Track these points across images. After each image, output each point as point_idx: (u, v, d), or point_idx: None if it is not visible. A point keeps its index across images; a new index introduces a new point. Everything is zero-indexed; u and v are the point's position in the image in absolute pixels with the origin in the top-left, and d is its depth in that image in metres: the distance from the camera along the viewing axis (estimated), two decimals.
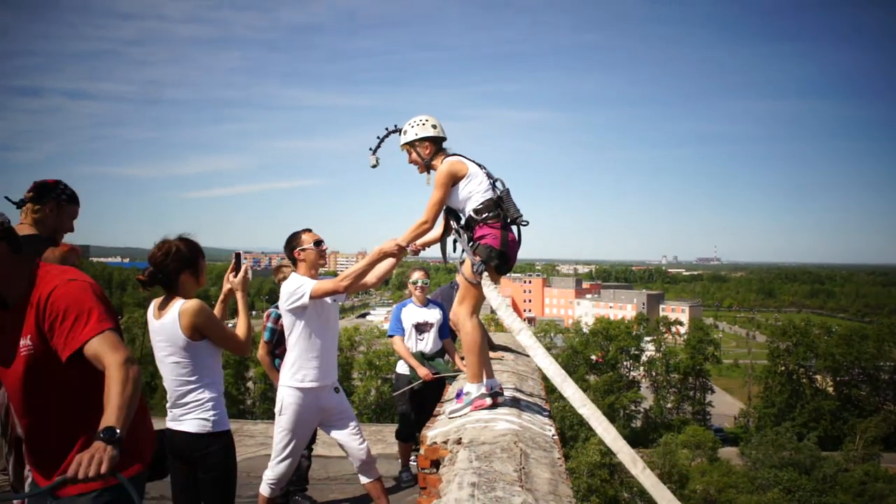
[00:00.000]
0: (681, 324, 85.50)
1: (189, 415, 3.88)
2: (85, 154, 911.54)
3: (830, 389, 69.05)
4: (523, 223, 4.53)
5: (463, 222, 4.62)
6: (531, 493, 2.98)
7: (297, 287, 4.82)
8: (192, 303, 3.84)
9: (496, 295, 4.44)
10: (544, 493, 3.07)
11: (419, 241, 4.77)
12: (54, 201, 4.11)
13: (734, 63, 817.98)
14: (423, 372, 6.68)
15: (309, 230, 5.12)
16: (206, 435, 3.89)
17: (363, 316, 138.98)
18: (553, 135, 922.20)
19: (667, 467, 45.41)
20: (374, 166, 4.86)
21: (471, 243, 4.50)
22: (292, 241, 5.06)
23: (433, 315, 7.05)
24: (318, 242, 5.05)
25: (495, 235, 4.42)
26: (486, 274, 4.40)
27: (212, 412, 3.91)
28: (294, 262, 5.08)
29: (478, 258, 4.41)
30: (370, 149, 4.82)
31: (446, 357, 7.18)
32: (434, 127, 4.70)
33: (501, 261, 4.43)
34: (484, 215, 4.47)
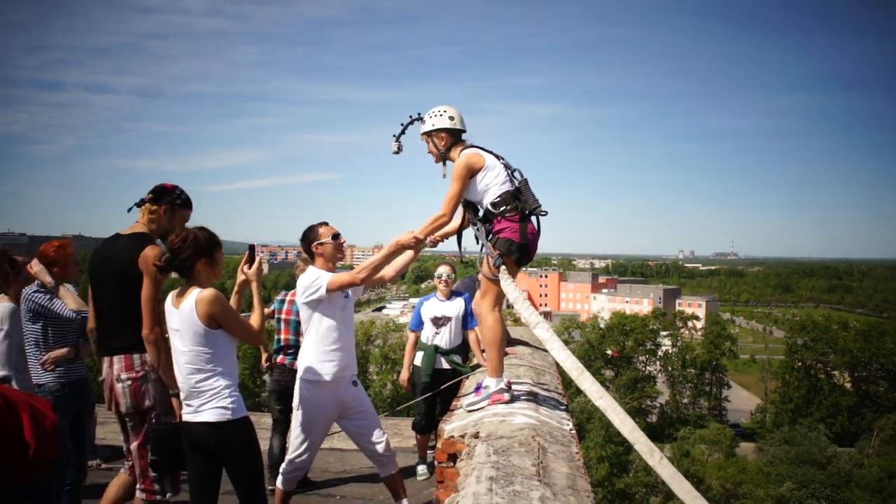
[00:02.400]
0: (697, 318, 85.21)
1: (207, 404, 3.88)
2: (105, 147, 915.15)
3: (848, 385, 68.65)
4: (542, 213, 4.52)
5: (481, 215, 4.61)
6: (549, 488, 2.97)
7: (313, 280, 4.80)
8: (208, 291, 3.88)
9: (514, 289, 4.43)
10: (562, 487, 3.06)
11: (435, 235, 4.76)
12: (168, 204, 4.36)
13: (751, 56, 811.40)
14: (403, 377, 6.77)
15: (326, 223, 5.08)
16: (225, 423, 3.88)
17: (379, 310, 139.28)
18: (570, 129, 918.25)
19: (684, 465, 45.41)
20: (395, 152, 4.87)
21: (489, 237, 4.49)
22: (309, 235, 5.03)
23: (453, 308, 7.02)
24: (336, 236, 5.01)
25: (514, 228, 4.40)
26: (503, 268, 4.39)
27: (229, 399, 3.90)
28: (311, 256, 5.06)
29: (496, 252, 4.41)
30: (393, 135, 4.84)
31: (467, 356, 7.23)
32: (451, 118, 4.70)
33: (521, 253, 4.42)
34: (501, 208, 4.45)
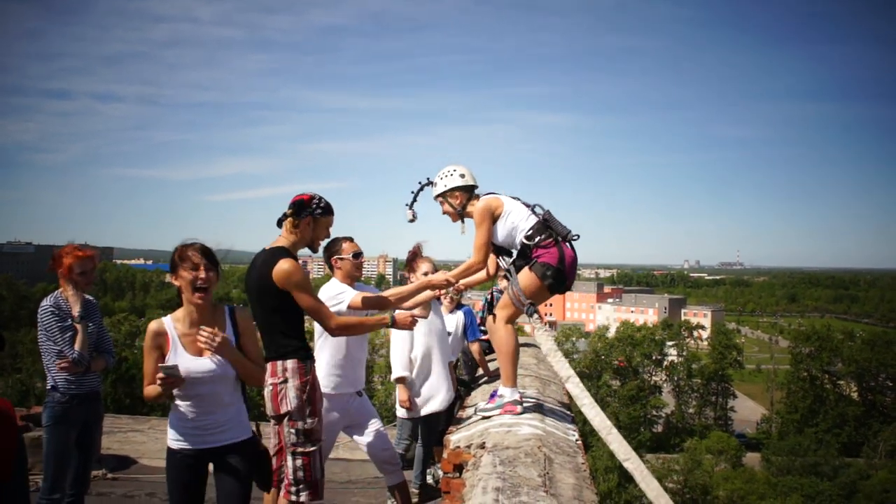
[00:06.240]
0: (703, 328, 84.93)
1: (242, 422, 3.93)
2: (112, 156, 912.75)
3: (854, 395, 68.31)
4: (574, 238, 4.60)
5: (516, 253, 4.73)
6: (556, 499, 2.97)
7: (337, 293, 4.85)
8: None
9: (547, 339, 4.51)
10: (569, 498, 3.06)
11: (464, 282, 4.93)
12: (310, 215, 4.37)
13: (758, 65, 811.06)
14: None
15: (350, 239, 5.17)
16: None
17: None
18: (575, 138, 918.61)
19: (694, 476, 45.21)
20: (411, 221, 5.00)
21: (530, 261, 4.56)
22: (332, 247, 5.10)
23: (452, 323, 7.02)
24: (357, 255, 5.10)
25: (552, 254, 4.48)
26: (536, 316, 4.47)
27: None
28: (330, 266, 5.12)
29: (528, 302, 4.49)
30: (406, 204, 4.95)
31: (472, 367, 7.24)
32: (462, 176, 4.83)
33: (556, 279, 4.48)
34: (536, 239, 4.55)
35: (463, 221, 4.86)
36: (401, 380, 5.90)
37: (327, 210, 4.45)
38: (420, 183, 4.97)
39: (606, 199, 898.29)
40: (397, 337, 5.92)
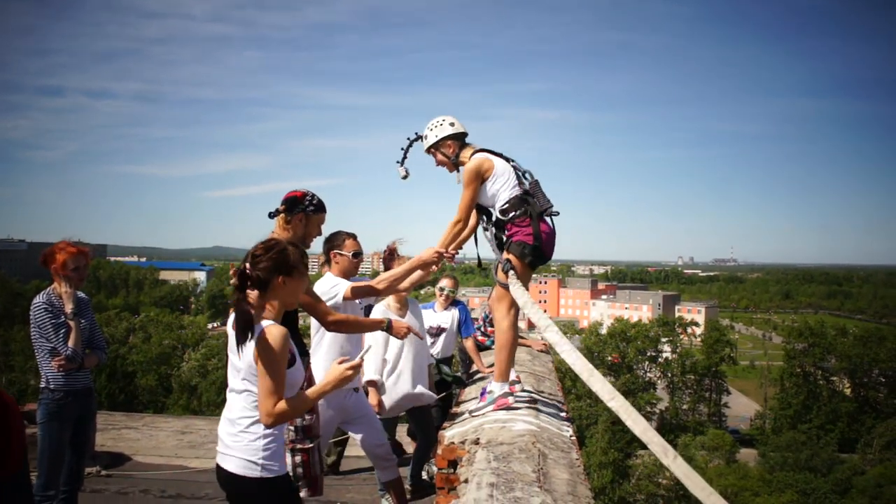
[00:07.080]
0: (697, 325, 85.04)
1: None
2: (106, 153, 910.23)
3: (848, 391, 68.54)
4: (554, 213, 4.54)
5: (493, 221, 4.67)
6: (550, 494, 2.97)
7: (331, 286, 4.85)
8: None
9: (522, 293, 4.45)
10: (563, 493, 3.06)
11: (454, 245, 4.82)
12: (302, 212, 4.38)
13: (752, 60, 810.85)
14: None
15: (354, 237, 5.18)
16: None
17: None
18: (571, 134, 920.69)
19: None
20: (404, 178, 4.95)
21: (505, 241, 4.54)
22: (333, 241, 5.12)
23: (447, 319, 7.04)
24: (357, 254, 5.11)
25: (527, 231, 4.44)
26: (512, 273, 4.41)
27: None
28: (328, 259, 5.12)
29: (505, 256, 4.45)
30: (397, 161, 4.90)
31: (464, 365, 7.26)
32: (452, 125, 4.76)
33: (535, 256, 4.44)
34: (510, 215, 4.50)
35: (458, 170, 4.78)
36: (371, 383, 5.86)
37: (320, 207, 4.46)
38: (409, 139, 4.91)
39: (601, 196, 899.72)
40: (372, 339, 5.87)
